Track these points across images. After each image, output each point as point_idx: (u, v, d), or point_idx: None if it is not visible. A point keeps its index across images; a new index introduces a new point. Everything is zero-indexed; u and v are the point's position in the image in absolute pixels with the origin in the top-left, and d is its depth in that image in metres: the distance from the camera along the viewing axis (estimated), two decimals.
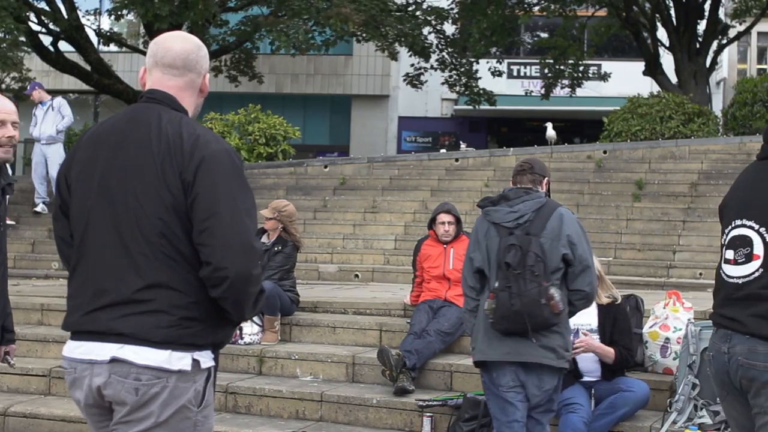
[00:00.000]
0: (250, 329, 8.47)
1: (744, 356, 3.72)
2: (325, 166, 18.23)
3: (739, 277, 3.81)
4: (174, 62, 3.34)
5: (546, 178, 5.70)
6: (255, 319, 8.51)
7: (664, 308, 7.20)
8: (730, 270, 3.85)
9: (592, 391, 6.43)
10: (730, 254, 3.86)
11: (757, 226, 3.79)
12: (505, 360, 5.31)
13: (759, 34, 33.28)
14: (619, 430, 6.37)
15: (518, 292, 5.14)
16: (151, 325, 3.14)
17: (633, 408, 6.37)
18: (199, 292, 3.18)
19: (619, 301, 6.73)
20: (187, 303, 3.17)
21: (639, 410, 6.45)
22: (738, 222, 3.86)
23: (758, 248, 3.77)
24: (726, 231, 3.93)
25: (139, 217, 3.16)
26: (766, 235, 3.76)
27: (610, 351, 6.40)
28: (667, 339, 6.98)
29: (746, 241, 3.81)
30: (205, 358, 3.26)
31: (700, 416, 6.26)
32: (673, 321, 7.04)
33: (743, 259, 3.80)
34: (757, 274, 3.76)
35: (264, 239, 8.87)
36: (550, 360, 5.25)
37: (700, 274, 12.39)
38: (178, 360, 3.18)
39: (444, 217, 8.04)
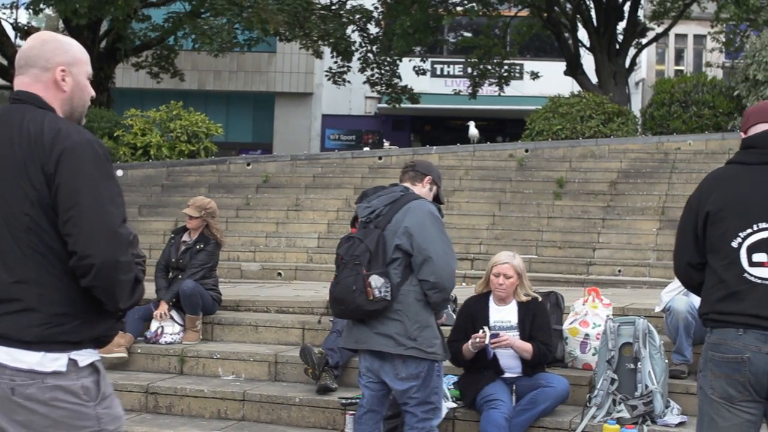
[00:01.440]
0: (171, 329, 8.37)
1: None
2: (248, 164, 18.11)
3: None
4: (19, 61, 3.35)
5: (428, 176, 5.83)
6: (176, 318, 8.41)
7: (584, 305, 7.30)
8: (763, 272, 3.91)
9: (514, 387, 6.48)
10: (761, 257, 3.92)
11: None
12: (356, 348, 5.71)
13: (677, 35, 33.96)
14: (540, 425, 6.42)
15: (338, 281, 5.50)
16: (23, 324, 3.10)
17: (553, 403, 6.44)
18: (72, 287, 3.15)
19: (540, 299, 6.80)
20: (59, 299, 3.14)
21: (559, 405, 6.51)
22: (763, 225, 3.94)
23: None
24: (741, 235, 3.96)
25: (6, 215, 3.14)
26: None
27: (527, 347, 6.47)
28: (587, 335, 7.08)
29: None
30: (84, 356, 3.20)
31: (619, 411, 6.34)
32: (592, 317, 7.14)
33: None
34: None
35: (185, 237, 8.77)
36: (387, 347, 5.43)
37: (619, 271, 12.60)
38: (52, 361, 3.12)
39: None
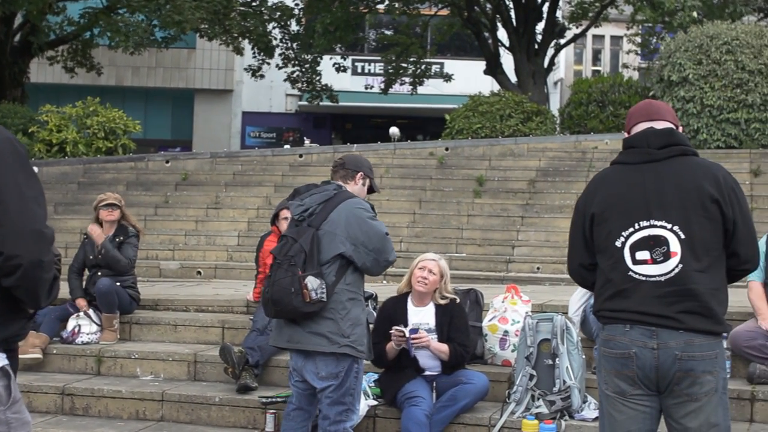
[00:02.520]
0: (88, 328, 8.23)
1: (681, 350, 3.91)
2: (167, 161, 17.91)
3: (661, 275, 3.96)
4: None
5: (360, 172, 5.83)
6: (93, 317, 8.28)
7: (503, 302, 7.36)
8: (647, 269, 3.98)
9: (434, 384, 6.51)
10: (644, 255, 3.99)
11: (669, 225, 3.97)
12: (286, 347, 5.69)
13: (594, 36, 34.53)
14: (460, 422, 6.46)
15: (273, 281, 5.43)
16: None
17: (473, 399, 6.49)
18: None
19: (458, 300, 6.85)
20: None
21: (479, 401, 6.56)
22: (645, 223, 4.01)
23: (674, 246, 3.95)
24: (624, 234, 4.03)
25: None
26: (680, 233, 3.95)
27: (444, 348, 6.51)
28: (506, 332, 7.14)
29: (661, 241, 3.97)
30: None
31: (537, 406, 6.42)
32: (511, 314, 7.21)
33: (662, 258, 3.96)
34: (677, 270, 3.94)
35: None
36: (321, 346, 5.43)
37: (538, 268, 12.75)
38: None
39: (287, 213, 7.97)
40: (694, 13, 20.55)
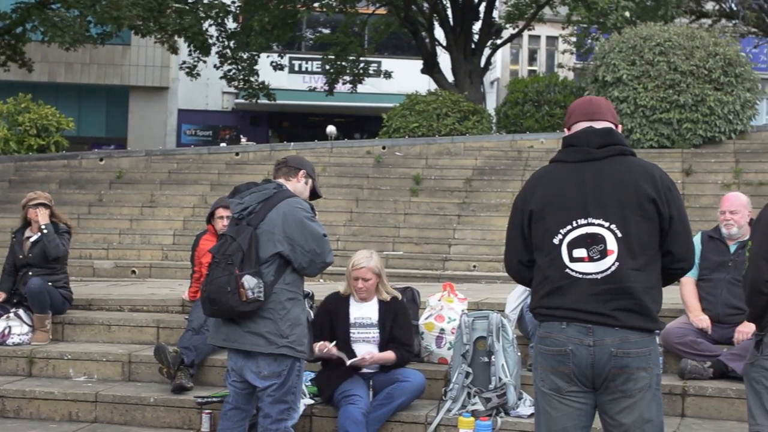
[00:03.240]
0: (19, 329, 8.08)
1: (616, 347, 3.96)
2: (101, 159, 17.70)
3: (597, 273, 4.00)
4: None
5: (303, 170, 5.82)
6: (24, 317, 8.13)
7: (440, 300, 7.39)
8: (583, 267, 4.02)
9: (371, 383, 6.52)
10: (581, 252, 4.02)
11: (607, 224, 4.00)
12: (225, 346, 5.63)
13: (530, 37, 34.82)
14: (397, 420, 6.47)
15: (210, 280, 5.41)
16: None
17: (410, 397, 6.50)
18: None
19: (401, 298, 6.86)
20: None
21: (415, 399, 6.57)
22: (582, 221, 4.04)
23: (611, 244, 3.99)
24: (562, 231, 4.06)
25: None
26: (617, 231, 3.99)
27: (389, 357, 6.54)
28: (442, 330, 7.17)
29: (598, 239, 4.01)
30: None
31: (473, 403, 6.45)
32: (447, 312, 7.23)
33: (598, 256, 4.00)
34: (614, 268, 3.98)
35: (28, 233, 8.49)
36: (259, 347, 5.42)
37: (474, 266, 12.84)
38: None
39: (222, 212, 7.92)
40: (627, 13, 20.82)
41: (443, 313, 7.23)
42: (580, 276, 4.01)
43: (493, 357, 6.53)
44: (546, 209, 4.10)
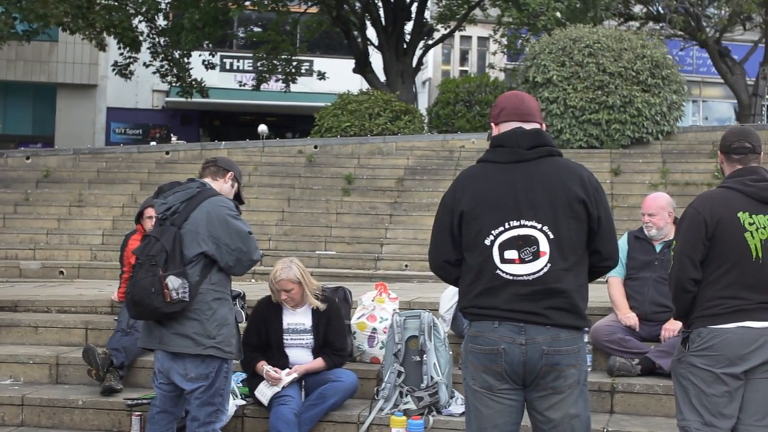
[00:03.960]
0: None
1: (548, 345, 4.01)
2: (27, 158, 17.40)
3: (529, 274, 4.04)
4: None
5: (231, 172, 5.79)
6: None
7: (372, 300, 7.39)
8: (514, 269, 4.05)
9: (303, 383, 6.50)
10: (512, 254, 4.06)
11: (539, 226, 4.04)
12: (151, 347, 5.61)
13: (462, 37, 35.01)
14: (329, 420, 6.46)
15: (134, 282, 5.36)
16: None
17: (342, 397, 6.49)
18: None
19: (336, 301, 6.84)
20: None
21: (348, 399, 6.57)
22: (515, 223, 4.07)
23: (544, 246, 4.04)
24: (494, 232, 4.08)
25: None
26: (549, 233, 4.04)
27: (319, 365, 6.53)
28: (374, 329, 7.17)
29: (531, 240, 4.04)
30: None
31: (405, 402, 6.47)
32: (379, 312, 7.25)
33: (530, 257, 4.04)
34: (546, 269, 4.03)
35: None
36: (186, 348, 5.38)
37: (406, 266, 12.88)
38: None
39: (151, 212, 7.83)
40: (557, 14, 21.05)
41: (375, 312, 7.24)
42: (511, 278, 4.05)
43: (424, 356, 6.55)
44: (478, 210, 4.12)
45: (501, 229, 4.07)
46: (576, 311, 4.07)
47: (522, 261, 4.03)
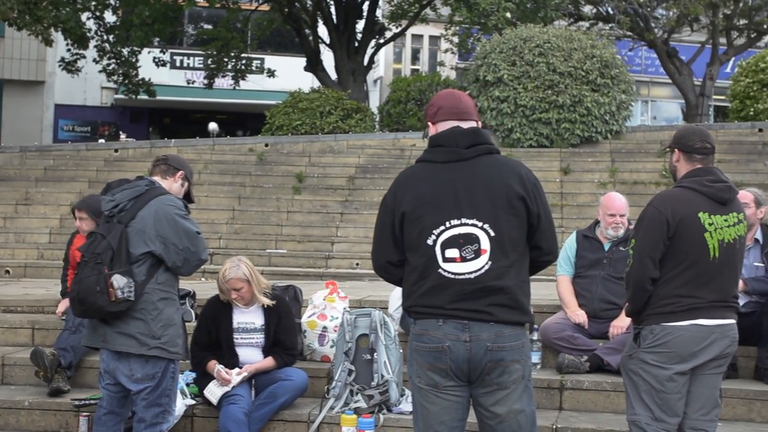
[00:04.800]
0: None
1: (492, 341, 4.04)
2: None
3: (470, 273, 4.05)
4: None
5: (182, 171, 5.73)
6: None
7: (323, 299, 7.38)
8: (455, 267, 4.07)
9: (253, 382, 6.47)
10: (454, 253, 4.07)
11: (480, 224, 4.06)
12: (96, 347, 5.53)
13: (413, 36, 35.07)
14: (280, 419, 6.44)
15: (79, 279, 5.29)
16: None
17: (292, 396, 6.48)
18: None
19: (286, 299, 6.82)
20: None
21: (298, 398, 6.56)
22: (456, 222, 4.08)
23: (485, 244, 4.05)
24: (435, 232, 4.09)
25: None
26: (490, 231, 4.05)
27: (269, 365, 6.50)
28: (325, 328, 7.17)
29: (472, 239, 4.06)
30: None
31: (356, 401, 6.47)
32: (330, 310, 7.24)
33: (472, 256, 4.05)
34: (487, 267, 4.05)
35: None
36: (130, 348, 5.33)
37: (357, 264, 12.88)
38: None
39: (77, 212, 7.66)
40: (508, 14, 21.17)
41: (326, 311, 7.24)
42: (453, 276, 4.06)
43: (375, 354, 6.55)
44: (419, 210, 4.12)
45: (442, 228, 4.08)
46: (519, 307, 4.10)
47: (463, 259, 4.05)
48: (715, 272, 4.65)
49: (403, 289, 4.28)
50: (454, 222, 4.07)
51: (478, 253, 4.04)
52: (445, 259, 4.07)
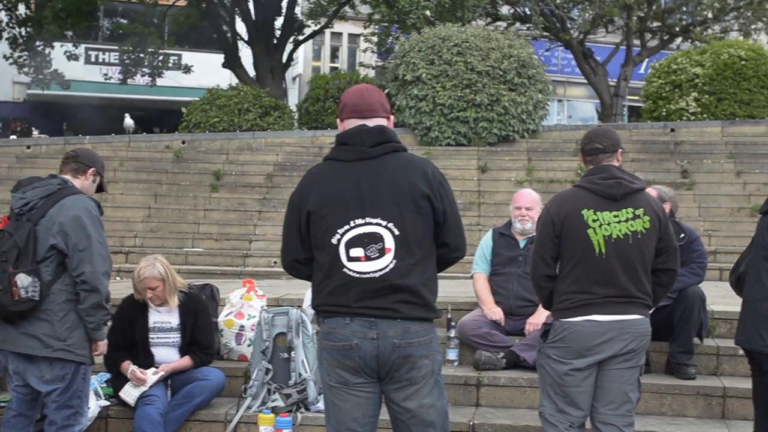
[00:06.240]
0: None
1: (399, 338, 4.07)
2: None
3: (375, 272, 4.07)
4: None
5: (93, 168, 5.62)
6: None
7: (240, 297, 7.33)
8: (360, 266, 4.08)
9: (169, 382, 6.39)
10: (358, 252, 4.08)
11: (384, 223, 4.08)
12: (2, 348, 5.40)
13: (332, 34, 35.03)
14: (196, 419, 6.38)
15: None
16: None
17: (209, 396, 6.42)
18: None
19: (203, 298, 6.75)
20: None
21: (215, 397, 6.51)
22: (360, 221, 4.09)
23: (389, 242, 4.08)
24: (340, 231, 4.10)
25: None
26: (394, 229, 4.07)
27: (186, 364, 6.44)
28: (242, 327, 7.12)
29: (376, 238, 4.08)
30: None
31: (273, 400, 6.44)
32: (247, 309, 7.19)
33: (376, 255, 4.07)
34: (392, 266, 4.07)
35: None
36: (34, 349, 5.23)
37: (275, 262, 12.81)
38: None
39: None
40: (427, 12, 21.25)
41: (243, 310, 7.19)
42: (358, 276, 4.08)
43: (293, 353, 6.53)
44: (324, 209, 4.14)
45: (347, 227, 4.10)
46: (425, 304, 4.14)
47: (368, 258, 4.07)
48: (606, 268, 4.74)
49: (312, 287, 4.29)
50: (359, 221, 4.09)
51: (382, 252, 4.07)
52: (350, 258, 4.09)
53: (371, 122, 4.22)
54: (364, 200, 4.09)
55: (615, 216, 4.77)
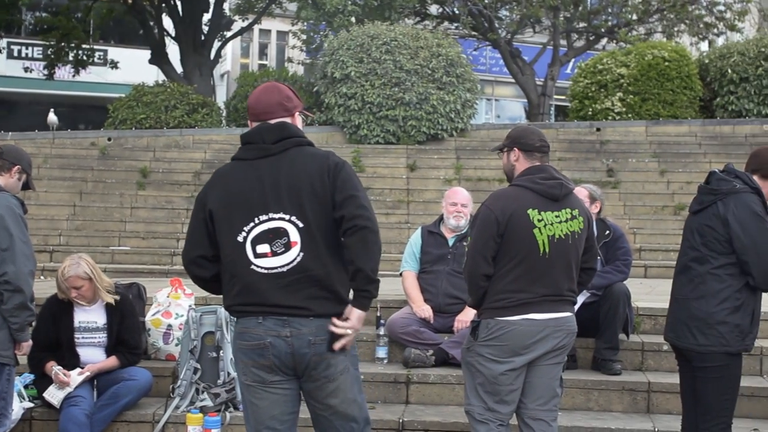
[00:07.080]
0: None
1: (314, 335, 4.06)
2: None
3: (283, 266, 4.07)
4: None
5: (18, 166, 5.53)
6: None
7: (167, 296, 7.26)
8: (268, 262, 4.07)
9: (95, 383, 6.31)
10: (264, 248, 4.08)
11: (287, 217, 4.07)
12: None
13: (261, 31, 34.86)
14: (123, 419, 6.31)
15: None
16: None
17: (136, 396, 6.35)
18: None
19: (129, 297, 6.67)
20: None
21: (143, 398, 6.44)
22: (264, 217, 4.09)
23: (294, 236, 4.07)
24: (246, 229, 4.10)
25: None
26: (298, 222, 4.07)
27: (112, 364, 6.35)
28: (170, 326, 7.06)
29: (280, 233, 4.07)
30: None
31: (202, 399, 6.39)
32: (175, 308, 7.13)
33: (282, 249, 4.07)
34: (299, 259, 4.06)
35: None
36: None
37: None
38: None
39: None
40: (353, 19, 21.34)
41: (171, 309, 7.13)
42: (266, 271, 4.08)
43: (221, 352, 6.50)
44: (228, 208, 4.15)
45: (251, 225, 4.10)
46: (336, 297, 4.13)
47: (274, 254, 4.08)
48: (547, 267, 4.78)
49: (222, 287, 4.26)
50: (262, 218, 4.10)
51: (288, 246, 4.07)
52: (257, 255, 4.09)
53: (271, 121, 4.24)
54: (265, 196, 4.10)
55: (556, 216, 4.81)
